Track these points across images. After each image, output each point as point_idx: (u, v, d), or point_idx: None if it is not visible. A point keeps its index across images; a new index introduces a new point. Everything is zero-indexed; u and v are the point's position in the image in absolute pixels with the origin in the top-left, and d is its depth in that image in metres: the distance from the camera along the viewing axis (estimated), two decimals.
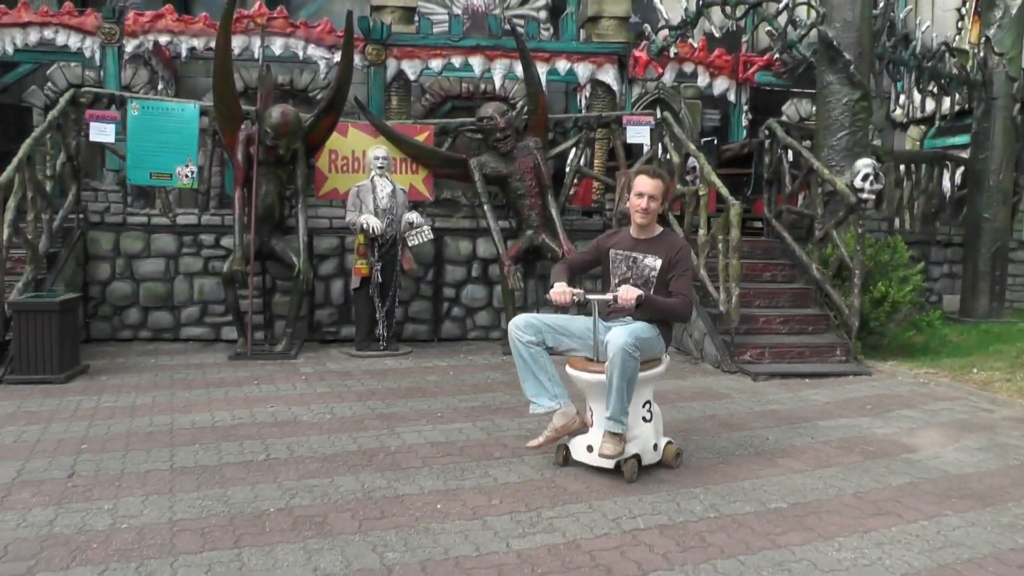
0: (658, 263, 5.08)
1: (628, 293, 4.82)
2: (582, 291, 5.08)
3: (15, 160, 8.37)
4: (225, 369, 8.29)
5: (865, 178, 9.43)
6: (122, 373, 7.98)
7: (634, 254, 5.16)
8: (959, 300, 12.06)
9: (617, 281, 5.16)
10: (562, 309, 5.58)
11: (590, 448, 5.02)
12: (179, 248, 9.77)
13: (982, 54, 11.97)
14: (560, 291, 5.06)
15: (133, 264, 9.69)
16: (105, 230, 9.68)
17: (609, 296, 5.02)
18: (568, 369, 5.10)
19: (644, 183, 5.07)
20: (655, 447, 5.11)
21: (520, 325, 5.10)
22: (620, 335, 4.69)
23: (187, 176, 9.50)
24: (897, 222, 12.06)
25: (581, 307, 5.35)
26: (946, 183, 13.01)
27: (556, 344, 5.15)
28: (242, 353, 8.83)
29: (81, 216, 9.62)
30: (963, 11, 17.12)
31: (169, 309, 9.77)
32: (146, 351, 9.18)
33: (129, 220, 9.75)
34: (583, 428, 5.17)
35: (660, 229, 5.25)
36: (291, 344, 9.06)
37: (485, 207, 9.56)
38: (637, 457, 4.94)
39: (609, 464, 4.94)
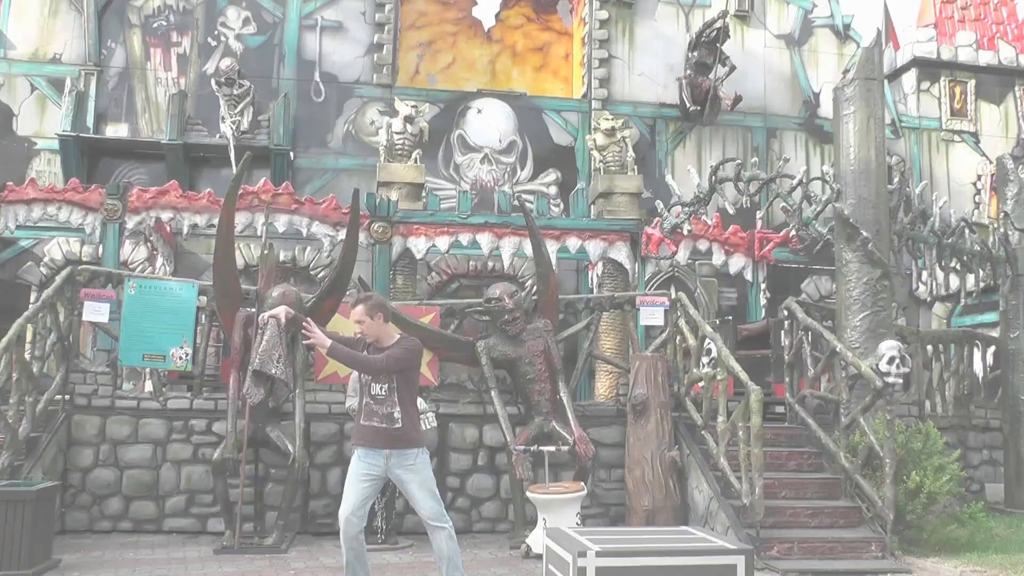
0: None
1: None
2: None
3: (3, 340, 8.12)
4: (210, 564, 7.71)
5: (891, 361, 8.93)
6: (96, 569, 7.40)
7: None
8: (1003, 489, 11.23)
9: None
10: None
11: None
12: (168, 434, 9.28)
13: (1002, 229, 11.64)
14: None
15: (118, 450, 9.19)
16: (91, 413, 9.23)
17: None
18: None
19: (352, 313, 5.85)
20: None
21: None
22: None
23: (181, 358, 9.14)
24: (928, 405, 11.24)
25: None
26: (977, 363, 12.39)
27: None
28: (229, 546, 8.26)
29: (67, 398, 9.18)
30: (978, 185, 16.92)
31: (153, 499, 9.20)
32: (125, 543, 8.57)
33: (117, 403, 9.32)
34: None
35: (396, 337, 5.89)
36: (283, 537, 8.48)
37: (492, 392, 9.11)
38: None
39: None
